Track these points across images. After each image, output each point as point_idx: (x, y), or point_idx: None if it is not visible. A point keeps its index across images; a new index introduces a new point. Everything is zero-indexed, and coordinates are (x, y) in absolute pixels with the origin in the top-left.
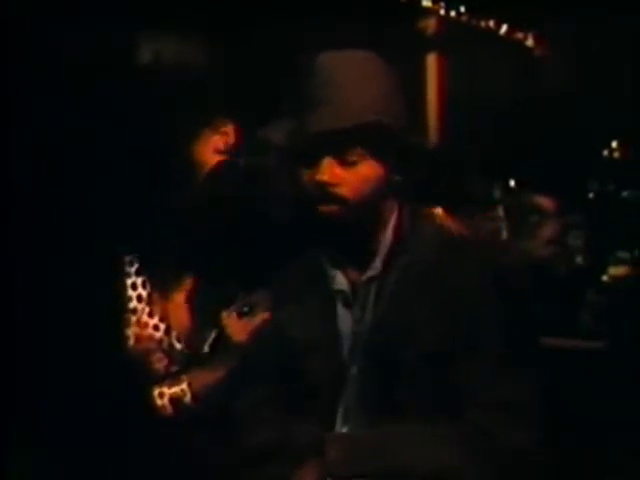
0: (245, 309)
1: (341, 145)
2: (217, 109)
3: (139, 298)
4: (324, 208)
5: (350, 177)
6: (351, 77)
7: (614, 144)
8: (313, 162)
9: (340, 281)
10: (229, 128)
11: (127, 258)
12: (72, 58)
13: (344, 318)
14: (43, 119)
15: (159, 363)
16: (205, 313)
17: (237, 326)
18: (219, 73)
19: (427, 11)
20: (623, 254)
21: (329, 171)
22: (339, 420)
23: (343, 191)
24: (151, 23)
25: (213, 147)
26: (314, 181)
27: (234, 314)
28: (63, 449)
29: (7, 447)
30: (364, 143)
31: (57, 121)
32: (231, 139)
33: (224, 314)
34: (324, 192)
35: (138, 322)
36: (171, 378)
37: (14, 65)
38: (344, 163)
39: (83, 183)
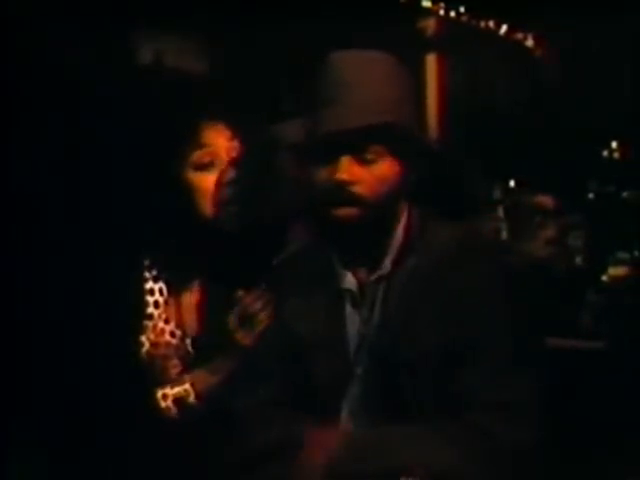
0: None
1: (360, 143)
2: (208, 116)
3: (156, 304)
4: (342, 210)
5: (368, 176)
6: (365, 77)
7: (614, 144)
8: (330, 160)
9: (349, 280)
10: (216, 139)
11: (146, 263)
12: (72, 58)
13: (351, 318)
14: (43, 119)
15: (174, 369)
16: (215, 317)
17: (244, 330)
18: (216, 77)
19: (427, 11)
20: (623, 254)
21: (348, 169)
22: (343, 420)
23: (361, 190)
24: (151, 23)
25: (195, 164)
26: (332, 180)
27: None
28: (63, 451)
29: (7, 447)
30: (383, 141)
31: (58, 122)
32: (219, 150)
33: (229, 317)
34: (341, 192)
35: (154, 328)
36: (174, 379)
37: (14, 65)
38: (362, 161)
39: (95, 184)
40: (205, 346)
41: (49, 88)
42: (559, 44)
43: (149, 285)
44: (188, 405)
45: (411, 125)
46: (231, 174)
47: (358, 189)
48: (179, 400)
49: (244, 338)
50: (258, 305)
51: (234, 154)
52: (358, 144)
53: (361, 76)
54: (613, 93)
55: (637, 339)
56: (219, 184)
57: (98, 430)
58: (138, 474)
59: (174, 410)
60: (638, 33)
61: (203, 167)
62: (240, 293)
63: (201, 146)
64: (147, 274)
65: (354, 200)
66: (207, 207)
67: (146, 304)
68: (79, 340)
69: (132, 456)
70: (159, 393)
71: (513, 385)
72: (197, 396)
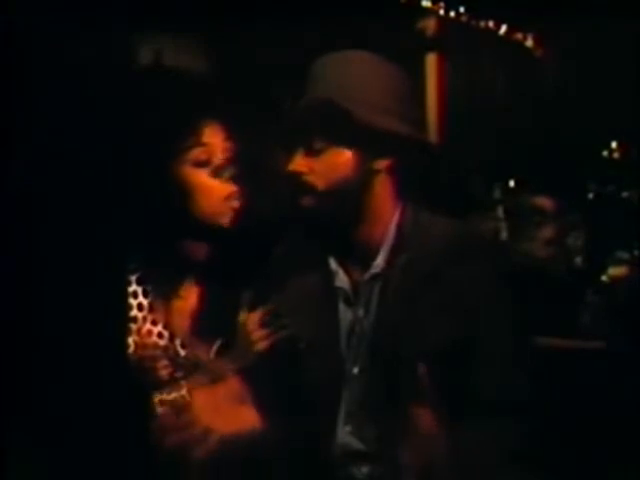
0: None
1: (301, 133)
2: (203, 115)
3: (139, 307)
4: (299, 200)
5: (318, 166)
6: (334, 72)
7: (614, 144)
8: (289, 154)
9: (341, 279)
10: (213, 138)
11: (131, 265)
12: (71, 58)
13: (345, 316)
14: (43, 119)
15: (164, 370)
16: (212, 319)
17: (262, 333)
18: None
19: (427, 11)
20: (622, 254)
21: (298, 161)
22: (341, 419)
23: (312, 179)
24: (152, 23)
25: (193, 160)
26: (287, 173)
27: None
28: (63, 453)
29: (7, 447)
30: (321, 129)
31: (56, 122)
32: (215, 149)
33: (249, 316)
34: (295, 182)
35: (138, 331)
36: (170, 385)
37: (13, 64)
38: (311, 152)
39: (82, 185)
40: (200, 346)
41: (48, 86)
42: (559, 44)
43: (132, 288)
44: (184, 411)
45: (373, 118)
46: (229, 170)
47: (308, 178)
48: (175, 406)
49: (261, 340)
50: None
51: (229, 153)
52: (304, 133)
53: (328, 73)
54: (613, 93)
55: (637, 339)
56: (218, 180)
57: (94, 430)
58: (137, 474)
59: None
60: (638, 33)
61: (200, 165)
62: (249, 293)
63: (198, 144)
64: (131, 276)
65: (306, 189)
66: (205, 204)
67: (129, 307)
68: (64, 341)
69: (130, 457)
70: (156, 399)
71: (514, 385)
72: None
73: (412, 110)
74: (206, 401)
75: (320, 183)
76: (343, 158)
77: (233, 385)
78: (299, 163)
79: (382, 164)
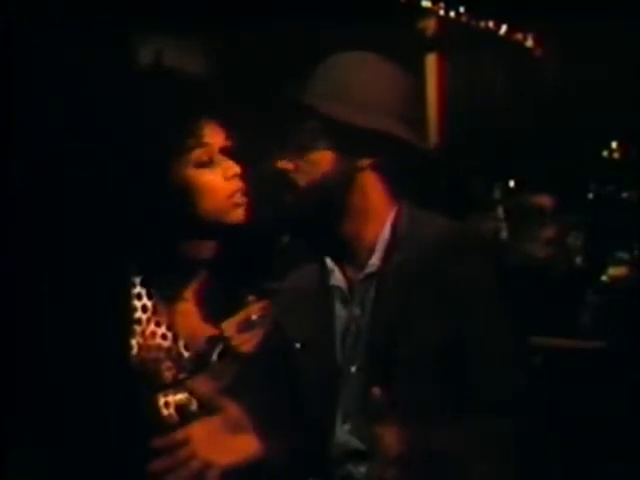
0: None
1: (291, 132)
2: (202, 115)
3: (144, 308)
4: (284, 196)
5: (303, 164)
6: (334, 73)
7: (614, 144)
8: (283, 154)
9: (337, 277)
10: (213, 138)
11: (134, 266)
12: (71, 58)
13: (340, 315)
14: (43, 119)
15: (168, 372)
16: (215, 320)
17: (243, 337)
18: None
19: (427, 11)
20: (622, 254)
21: (285, 158)
22: (338, 419)
23: (295, 177)
24: (152, 23)
25: (195, 161)
26: (275, 170)
27: (237, 324)
28: (63, 455)
29: (7, 447)
30: (307, 129)
31: (57, 122)
32: (217, 148)
33: (225, 324)
34: (282, 180)
35: (142, 333)
36: (175, 386)
37: (14, 64)
38: (299, 150)
39: (85, 187)
40: (202, 348)
41: (48, 86)
42: (559, 44)
43: (137, 290)
44: (190, 412)
45: (366, 119)
46: (234, 169)
47: (293, 176)
48: (181, 407)
49: (242, 345)
50: (261, 313)
51: (230, 152)
52: (294, 132)
53: (329, 73)
54: (613, 93)
55: (637, 339)
56: (224, 179)
57: (95, 431)
58: (138, 476)
59: (176, 418)
60: (638, 32)
61: (202, 165)
62: (251, 298)
63: (199, 145)
64: (135, 278)
65: (289, 186)
66: (210, 203)
67: (134, 309)
68: (66, 342)
69: (130, 459)
70: (161, 401)
71: (513, 385)
72: (199, 403)
73: (412, 111)
74: (203, 434)
75: (302, 180)
76: (327, 156)
77: (230, 414)
78: (285, 160)
79: (366, 162)
